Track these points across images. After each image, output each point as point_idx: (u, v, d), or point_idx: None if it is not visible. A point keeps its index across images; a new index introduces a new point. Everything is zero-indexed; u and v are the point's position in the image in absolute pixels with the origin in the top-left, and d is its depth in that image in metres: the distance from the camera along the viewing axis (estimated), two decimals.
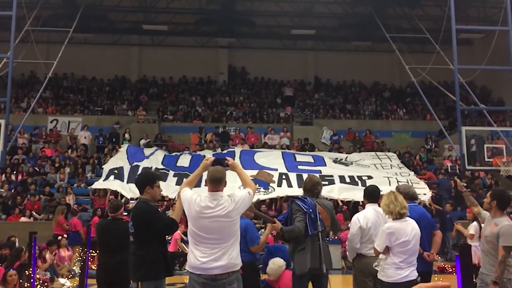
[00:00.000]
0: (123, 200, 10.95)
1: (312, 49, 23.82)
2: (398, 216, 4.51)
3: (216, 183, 4.08)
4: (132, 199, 11.50)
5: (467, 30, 18.01)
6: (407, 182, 12.68)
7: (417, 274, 4.56)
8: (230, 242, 3.98)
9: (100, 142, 18.35)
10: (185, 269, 9.34)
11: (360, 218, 5.14)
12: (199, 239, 3.98)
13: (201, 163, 4.37)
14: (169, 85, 23.09)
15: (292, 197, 5.14)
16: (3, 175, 15.43)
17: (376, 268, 4.68)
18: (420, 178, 14.42)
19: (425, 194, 12.73)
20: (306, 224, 4.73)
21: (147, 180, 4.53)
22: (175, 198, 8.23)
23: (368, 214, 5.16)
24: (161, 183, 12.06)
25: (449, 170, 13.26)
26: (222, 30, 22.18)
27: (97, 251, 6.05)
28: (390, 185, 12.00)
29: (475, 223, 8.18)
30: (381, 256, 4.61)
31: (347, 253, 5.44)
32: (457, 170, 13.56)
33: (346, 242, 5.46)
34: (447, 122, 19.53)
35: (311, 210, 4.78)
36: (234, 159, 15.57)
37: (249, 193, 4.14)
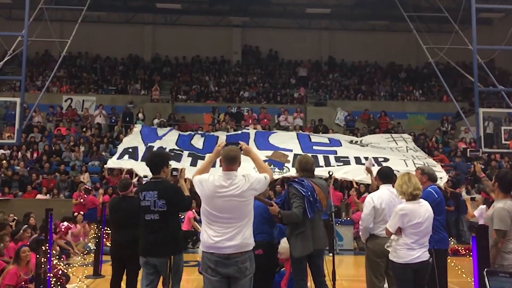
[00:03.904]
0: (134, 180, 11.03)
1: (327, 29, 23.47)
2: (411, 197, 4.48)
3: (230, 162, 4.06)
4: (145, 176, 11.59)
5: (487, 9, 17.50)
6: (424, 164, 12.55)
7: (428, 255, 4.54)
8: (244, 222, 3.97)
9: (113, 121, 18.49)
10: (198, 248, 9.44)
11: (374, 198, 5.11)
12: (213, 218, 3.99)
13: (214, 149, 4.40)
14: (183, 64, 23.04)
15: (290, 180, 5.12)
16: (19, 153, 15.68)
17: (387, 248, 4.67)
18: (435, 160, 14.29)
19: (441, 178, 12.61)
20: (305, 208, 4.71)
21: (164, 161, 4.79)
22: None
23: (383, 195, 5.12)
24: (176, 163, 12.17)
25: (469, 155, 13.06)
26: (236, 9, 21.92)
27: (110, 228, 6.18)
28: (407, 166, 11.92)
29: (484, 206, 8.09)
30: (393, 237, 4.59)
31: (360, 233, 5.41)
32: (480, 155, 13.32)
33: (359, 222, 5.44)
34: (465, 104, 19.19)
35: (309, 193, 4.76)
36: (248, 140, 15.46)
37: (266, 177, 4.11)
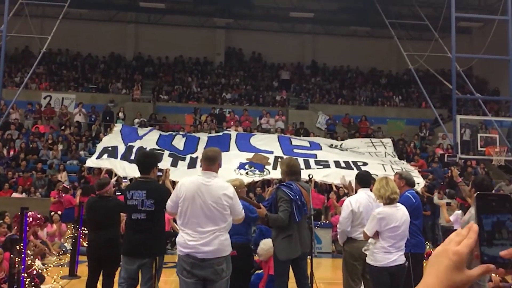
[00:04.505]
0: (113, 180, 10.91)
1: (310, 33, 23.64)
2: (388, 201, 4.53)
3: (209, 162, 4.08)
4: (125, 178, 11.46)
5: (466, 18, 17.90)
6: (402, 170, 12.73)
7: (405, 259, 4.61)
8: (220, 227, 3.96)
9: (93, 120, 18.25)
10: (176, 249, 9.37)
11: (352, 202, 5.15)
12: (189, 220, 3.97)
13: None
14: (165, 64, 22.89)
15: (279, 184, 5.15)
16: None
17: (365, 252, 4.72)
18: (413, 166, 14.52)
19: (418, 183, 12.80)
20: (293, 211, 4.74)
21: (155, 161, 4.85)
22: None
23: (361, 198, 5.17)
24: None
25: (446, 160, 13.32)
26: (220, 10, 21.92)
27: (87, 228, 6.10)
28: (385, 171, 12.08)
29: (460, 211, 8.26)
30: (370, 240, 4.64)
31: (338, 236, 5.46)
32: (457, 160, 13.64)
33: (337, 226, 5.48)
34: (443, 111, 19.58)
35: (297, 197, 4.78)
36: (230, 142, 15.38)
37: (242, 209, 4.15)
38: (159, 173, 5.15)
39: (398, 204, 4.63)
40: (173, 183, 5.57)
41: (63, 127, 17.47)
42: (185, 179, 4.16)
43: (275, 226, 4.89)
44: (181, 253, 4.00)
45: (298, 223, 4.81)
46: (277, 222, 4.76)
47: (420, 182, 13.00)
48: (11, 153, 15.60)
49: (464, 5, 17.90)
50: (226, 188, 4.02)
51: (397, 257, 4.53)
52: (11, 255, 5.66)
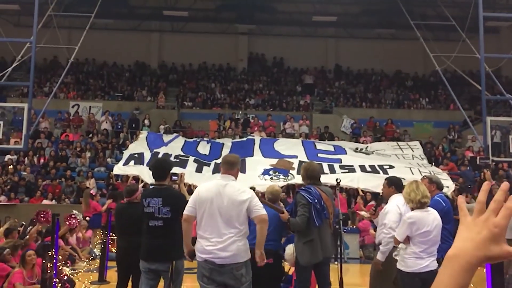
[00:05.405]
0: (140, 186, 11.04)
1: (333, 36, 23.49)
2: (419, 205, 4.42)
3: (228, 166, 4.11)
4: (152, 184, 11.57)
5: (494, 18, 17.46)
6: (430, 173, 12.45)
7: (437, 264, 4.48)
8: (237, 230, 3.93)
9: (119, 127, 18.56)
10: None
11: (400, 205, 4.90)
12: (205, 223, 3.97)
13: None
14: (189, 71, 23.13)
15: (298, 188, 5.13)
16: (26, 158, 15.75)
17: (395, 257, 4.62)
18: (442, 169, 14.19)
19: (447, 187, 12.49)
20: (312, 216, 4.69)
21: (169, 167, 4.87)
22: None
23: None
24: (181, 170, 12.11)
25: (479, 162, 12.95)
26: (242, 17, 22.03)
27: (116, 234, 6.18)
28: (412, 174, 11.83)
29: None
30: (401, 245, 4.54)
31: (382, 246, 4.85)
32: (489, 162, 13.26)
33: (384, 231, 5.19)
34: (472, 112, 19.13)
35: (316, 201, 4.74)
36: (254, 147, 15.36)
37: (261, 206, 4.00)
38: (175, 177, 5.19)
39: (429, 208, 4.52)
40: None
41: (90, 135, 17.82)
42: (203, 183, 4.20)
43: (296, 231, 4.86)
44: (199, 259, 4.00)
45: (319, 227, 4.75)
46: (295, 227, 4.76)
47: (449, 186, 12.69)
48: (41, 161, 15.99)
49: (491, 4, 17.49)
50: (243, 190, 4.01)
51: (429, 263, 4.42)
52: (43, 261, 5.77)
